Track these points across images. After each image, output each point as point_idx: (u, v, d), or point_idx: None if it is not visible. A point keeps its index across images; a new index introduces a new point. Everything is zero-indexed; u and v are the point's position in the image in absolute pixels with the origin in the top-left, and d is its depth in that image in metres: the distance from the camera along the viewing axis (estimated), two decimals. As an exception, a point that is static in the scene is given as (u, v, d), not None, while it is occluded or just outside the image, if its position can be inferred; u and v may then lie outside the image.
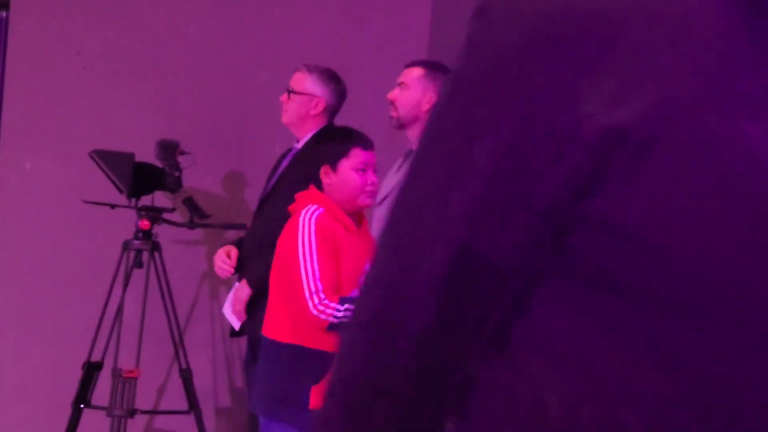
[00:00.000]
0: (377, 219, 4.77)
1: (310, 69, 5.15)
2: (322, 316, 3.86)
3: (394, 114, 4.80)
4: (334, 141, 4.20)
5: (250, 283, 4.95)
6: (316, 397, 3.92)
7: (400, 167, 4.81)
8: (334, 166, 4.13)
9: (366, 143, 4.15)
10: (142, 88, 6.34)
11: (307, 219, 3.99)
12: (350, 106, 5.26)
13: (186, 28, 6.40)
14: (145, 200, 5.85)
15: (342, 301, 3.89)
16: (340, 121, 5.16)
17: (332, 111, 5.15)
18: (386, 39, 6.11)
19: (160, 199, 5.93)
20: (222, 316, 6.27)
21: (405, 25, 6.12)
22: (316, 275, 3.89)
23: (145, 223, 5.77)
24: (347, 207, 4.11)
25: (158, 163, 5.83)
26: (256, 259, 4.99)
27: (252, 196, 6.05)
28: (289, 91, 5.13)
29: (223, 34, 6.38)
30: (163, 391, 6.30)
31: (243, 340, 5.56)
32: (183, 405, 5.82)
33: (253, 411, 4.21)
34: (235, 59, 6.36)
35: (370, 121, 5.43)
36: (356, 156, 4.10)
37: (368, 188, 4.12)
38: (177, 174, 5.80)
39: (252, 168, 6.24)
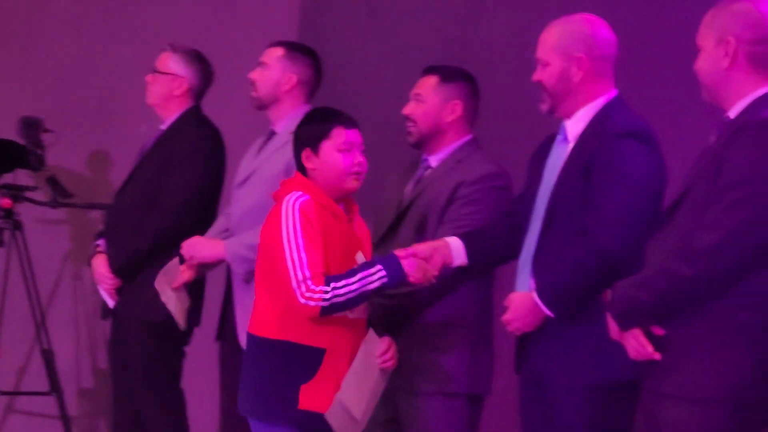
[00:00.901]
0: (237, 200, 4.72)
1: (175, 49, 5.11)
2: (311, 303, 3.64)
3: (254, 94, 4.78)
4: (313, 121, 3.88)
5: (111, 268, 4.92)
6: (305, 397, 3.70)
7: (261, 148, 4.78)
8: (315, 148, 3.82)
9: (348, 121, 3.85)
10: (4, 63, 6.23)
11: (290, 206, 3.71)
12: (219, 87, 5.22)
13: (49, 3, 6.30)
14: (7, 178, 5.76)
15: (328, 282, 3.67)
16: (206, 102, 5.14)
17: (197, 92, 5.11)
18: (256, 20, 6.07)
19: (22, 177, 5.84)
20: (85, 296, 6.21)
21: (275, 6, 6.09)
22: (303, 263, 3.66)
23: (6, 201, 5.70)
24: (334, 192, 3.82)
25: (20, 141, 5.74)
26: (116, 242, 4.96)
27: (116, 175, 5.98)
28: (154, 71, 5.08)
29: (87, 11, 6.29)
30: (24, 372, 6.21)
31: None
32: (44, 386, 5.76)
33: (240, 413, 3.86)
34: (99, 36, 6.28)
35: (239, 103, 5.41)
36: (338, 135, 3.80)
37: (354, 169, 3.82)
38: (40, 152, 5.72)
39: (117, 147, 6.16)
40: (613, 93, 3.83)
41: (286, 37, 5.21)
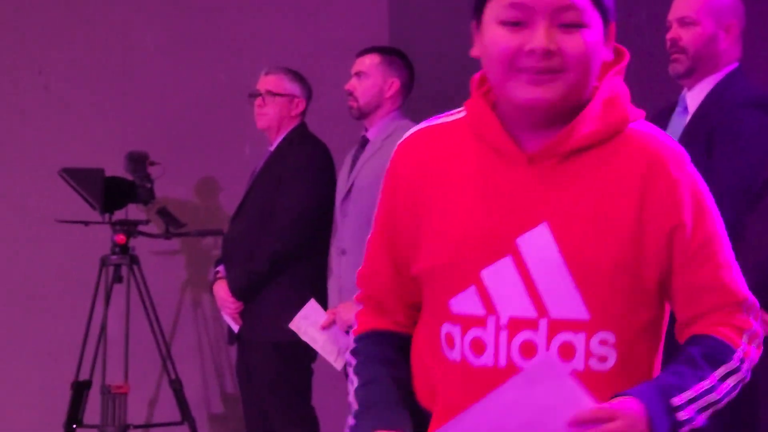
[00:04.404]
0: (344, 216, 4.69)
1: (285, 71, 5.11)
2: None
3: (354, 104, 4.74)
4: None
5: (232, 292, 4.94)
6: None
7: (356, 158, 4.76)
8: (479, 20, 2.12)
9: None
10: (106, 102, 6.28)
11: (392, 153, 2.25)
12: (315, 101, 5.22)
13: (143, 38, 6.35)
14: (119, 214, 5.80)
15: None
16: (310, 118, 5.14)
17: (305, 110, 5.12)
18: (346, 32, 6.05)
19: (133, 211, 5.88)
20: (207, 322, 6.25)
21: (364, 13, 6.07)
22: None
23: (120, 238, 5.73)
24: (511, 104, 2.09)
25: (129, 176, 5.79)
26: (235, 267, 4.98)
27: (225, 200, 6.01)
28: (266, 94, 5.06)
29: (179, 41, 6.33)
30: (155, 404, 6.25)
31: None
32: (176, 416, 5.79)
33: None
34: (193, 64, 6.30)
35: (332, 115, 5.41)
36: None
37: (522, 62, 2.03)
38: (148, 185, 5.76)
39: (223, 172, 6.19)
40: (735, 64, 3.78)
41: (378, 43, 5.18)
